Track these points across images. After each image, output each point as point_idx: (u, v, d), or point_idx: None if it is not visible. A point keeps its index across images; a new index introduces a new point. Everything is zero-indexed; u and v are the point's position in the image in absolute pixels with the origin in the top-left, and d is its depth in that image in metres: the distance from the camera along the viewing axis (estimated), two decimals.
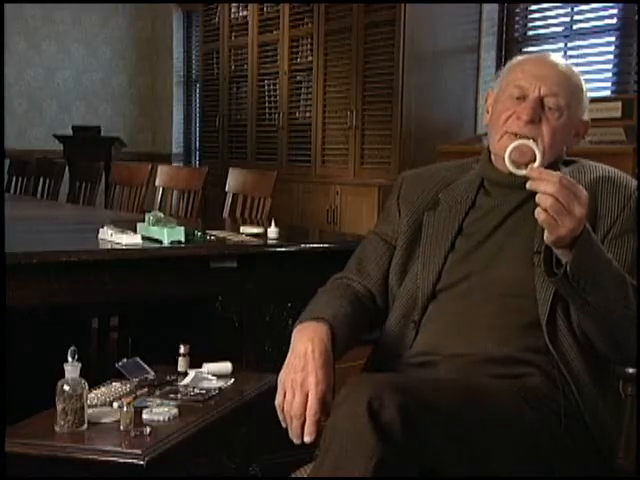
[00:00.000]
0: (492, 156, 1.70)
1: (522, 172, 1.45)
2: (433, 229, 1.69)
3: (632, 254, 1.57)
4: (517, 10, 4.75)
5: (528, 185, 1.40)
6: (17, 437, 1.61)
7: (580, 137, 1.70)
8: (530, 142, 1.51)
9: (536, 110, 1.59)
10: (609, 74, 4.30)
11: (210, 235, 2.51)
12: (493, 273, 1.60)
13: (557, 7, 4.53)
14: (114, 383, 1.90)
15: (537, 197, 1.39)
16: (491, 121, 1.68)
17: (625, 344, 1.50)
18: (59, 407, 1.65)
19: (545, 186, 1.38)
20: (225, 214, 3.73)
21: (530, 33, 4.71)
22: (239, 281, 2.43)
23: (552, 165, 1.62)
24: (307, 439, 1.45)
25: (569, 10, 4.45)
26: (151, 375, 1.96)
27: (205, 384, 1.93)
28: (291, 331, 1.61)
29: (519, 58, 1.71)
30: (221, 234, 2.59)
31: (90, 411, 1.71)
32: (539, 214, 1.39)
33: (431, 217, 1.71)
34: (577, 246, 1.40)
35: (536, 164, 1.45)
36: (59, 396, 1.65)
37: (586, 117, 1.68)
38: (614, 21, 4.23)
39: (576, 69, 1.69)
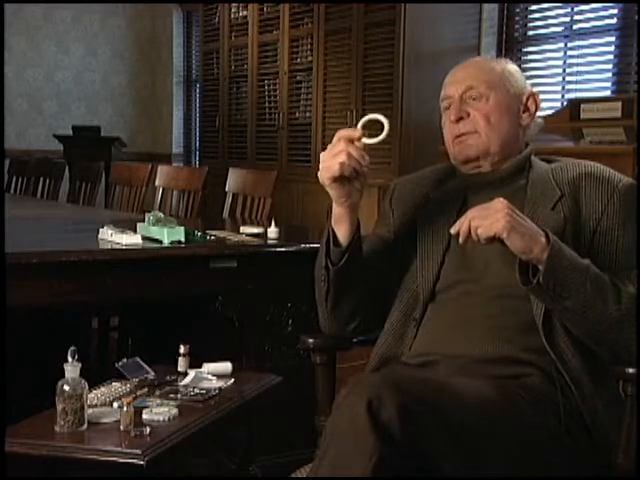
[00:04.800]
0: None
1: (378, 138, 1.55)
2: (428, 228, 1.71)
3: (622, 249, 1.58)
4: (517, 10, 4.75)
5: (460, 240, 1.50)
6: (17, 437, 1.61)
7: (533, 110, 1.73)
8: (374, 115, 1.58)
9: (460, 108, 1.68)
10: (609, 74, 4.30)
11: (210, 235, 2.51)
12: (491, 275, 1.61)
13: (557, 7, 4.52)
14: (114, 383, 1.90)
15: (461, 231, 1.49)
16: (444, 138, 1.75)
17: (615, 343, 1.51)
18: (59, 407, 1.65)
19: (462, 223, 1.50)
20: (225, 214, 3.73)
21: (530, 33, 4.70)
22: (239, 281, 2.43)
23: (521, 159, 1.69)
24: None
25: (569, 10, 4.45)
26: (151, 375, 1.96)
27: (205, 384, 1.93)
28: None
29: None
30: (221, 234, 2.58)
31: (90, 411, 1.71)
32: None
33: (424, 216, 1.73)
34: (549, 255, 1.45)
35: (384, 133, 1.55)
36: (59, 396, 1.65)
37: (528, 90, 1.72)
38: (614, 21, 4.23)
39: (503, 60, 1.77)
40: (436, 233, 1.69)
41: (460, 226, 1.50)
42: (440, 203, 1.72)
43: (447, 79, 1.75)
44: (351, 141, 1.54)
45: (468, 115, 1.67)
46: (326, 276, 1.66)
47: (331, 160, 1.55)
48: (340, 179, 1.56)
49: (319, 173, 1.58)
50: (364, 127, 1.57)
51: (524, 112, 1.71)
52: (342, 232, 1.64)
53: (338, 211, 1.62)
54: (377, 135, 1.56)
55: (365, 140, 1.55)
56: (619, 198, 1.60)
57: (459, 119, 1.67)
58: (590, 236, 1.59)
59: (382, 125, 1.56)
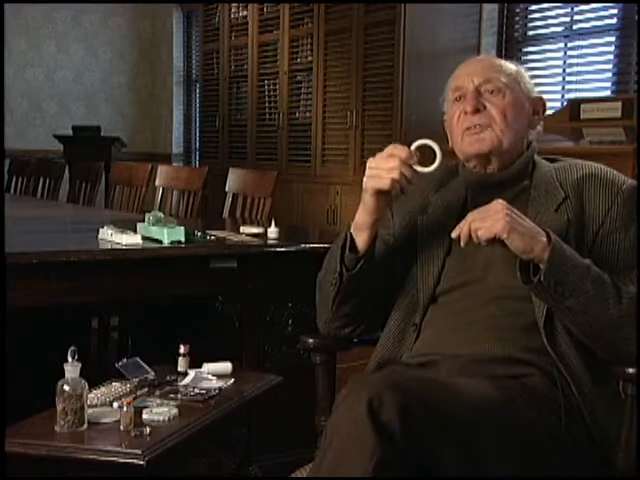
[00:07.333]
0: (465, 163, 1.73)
1: (429, 169, 1.54)
2: (428, 231, 1.70)
3: (624, 250, 1.58)
4: (517, 10, 4.75)
5: (462, 243, 1.51)
6: (17, 437, 1.61)
7: (541, 115, 1.72)
8: (428, 141, 1.56)
9: (477, 100, 1.64)
10: (609, 74, 4.30)
11: (210, 235, 2.51)
12: (492, 276, 1.61)
13: (557, 7, 4.53)
14: (114, 383, 1.90)
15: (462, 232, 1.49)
16: (450, 133, 1.73)
17: (615, 342, 1.51)
18: (59, 407, 1.65)
19: (462, 227, 1.50)
20: (225, 214, 3.73)
21: (530, 33, 4.71)
22: (239, 281, 2.42)
23: (526, 161, 1.67)
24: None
25: (569, 10, 4.45)
26: (151, 375, 1.96)
27: (205, 384, 1.93)
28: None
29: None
30: (221, 234, 2.58)
31: (90, 411, 1.71)
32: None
33: (424, 220, 1.72)
34: (550, 254, 1.45)
35: (436, 162, 1.54)
36: (59, 396, 1.65)
37: (536, 93, 1.72)
38: (614, 21, 4.23)
39: (511, 61, 1.75)
40: (437, 238, 1.68)
41: (460, 230, 1.50)
42: (441, 207, 1.71)
43: (459, 71, 1.72)
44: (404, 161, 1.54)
45: (484, 108, 1.64)
46: (338, 280, 1.65)
47: (384, 172, 1.55)
48: (384, 192, 1.57)
49: (365, 179, 1.58)
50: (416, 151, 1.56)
51: (534, 114, 1.70)
52: (362, 239, 1.64)
53: (364, 219, 1.63)
54: (430, 163, 1.54)
55: (416, 167, 1.54)
56: (622, 200, 1.60)
57: (475, 111, 1.64)
58: (593, 237, 1.59)
59: (433, 151, 1.54)
